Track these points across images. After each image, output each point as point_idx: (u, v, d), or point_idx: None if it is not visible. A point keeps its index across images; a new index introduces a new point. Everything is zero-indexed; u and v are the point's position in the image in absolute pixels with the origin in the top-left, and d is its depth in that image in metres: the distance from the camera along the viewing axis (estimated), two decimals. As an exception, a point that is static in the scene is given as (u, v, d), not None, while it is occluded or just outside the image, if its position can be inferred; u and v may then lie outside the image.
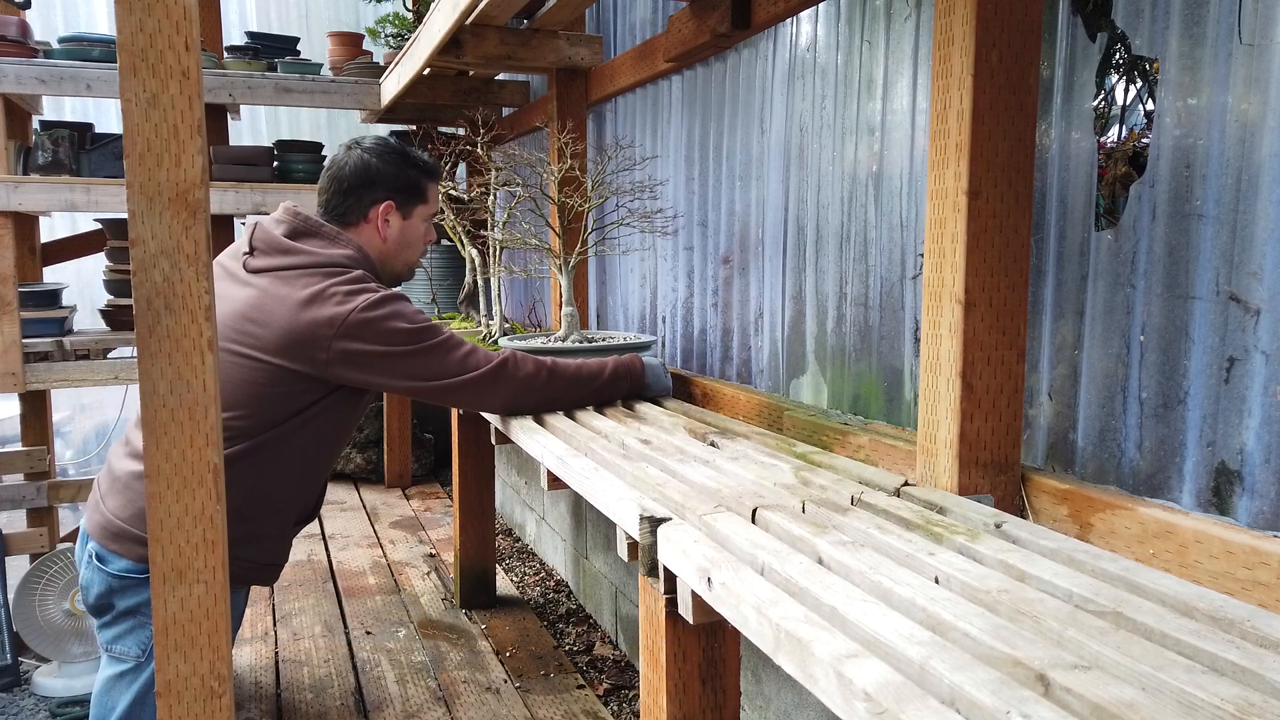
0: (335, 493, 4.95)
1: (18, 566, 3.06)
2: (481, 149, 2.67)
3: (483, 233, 2.89)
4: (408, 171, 1.97)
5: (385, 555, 3.95)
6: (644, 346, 2.38)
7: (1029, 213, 1.40)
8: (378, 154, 1.95)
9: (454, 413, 3.30)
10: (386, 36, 4.38)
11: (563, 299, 2.43)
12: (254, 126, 5.89)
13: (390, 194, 1.94)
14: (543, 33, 3.01)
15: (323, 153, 4.63)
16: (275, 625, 3.22)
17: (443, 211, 2.97)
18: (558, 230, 2.40)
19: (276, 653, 3.00)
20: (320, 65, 4.44)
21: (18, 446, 4.10)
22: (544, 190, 2.57)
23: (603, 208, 2.66)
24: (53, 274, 4.54)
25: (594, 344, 2.37)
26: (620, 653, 3.03)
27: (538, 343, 2.37)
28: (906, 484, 1.46)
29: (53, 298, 3.93)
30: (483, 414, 2.53)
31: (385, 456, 5.05)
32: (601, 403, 2.16)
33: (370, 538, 4.19)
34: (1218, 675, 0.81)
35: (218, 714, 1.21)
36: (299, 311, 1.76)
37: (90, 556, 1.75)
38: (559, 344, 2.35)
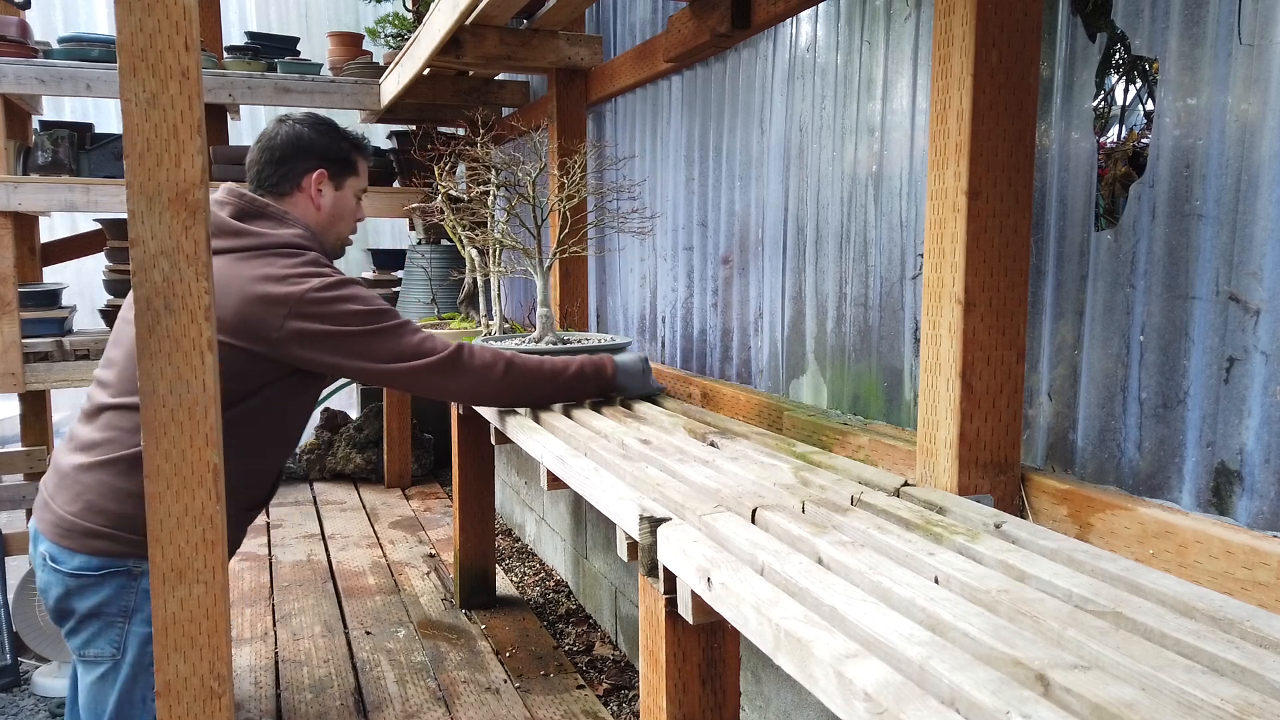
0: (335, 493, 4.95)
1: (17, 567, 3.06)
2: (480, 149, 2.67)
3: (470, 234, 2.89)
4: (339, 143, 1.99)
5: (385, 555, 3.95)
6: (619, 349, 2.37)
7: (1029, 213, 1.41)
8: (309, 125, 1.97)
9: (453, 413, 3.30)
10: (386, 36, 4.38)
11: (538, 300, 2.42)
12: (254, 126, 5.88)
13: (323, 163, 1.95)
14: (543, 33, 3.01)
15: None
16: (275, 625, 3.22)
17: (442, 211, 2.97)
18: (533, 230, 2.40)
19: (276, 653, 3.00)
20: (320, 65, 4.44)
21: (18, 446, 4.10)
22: (518, 190, 2.58)
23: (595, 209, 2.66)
24: (53, 274, 4.55)
25: (568, 345, 2.36)
26: (620, 653, 3.03)
27: (512, 344, 2.36)
28: (906, 484, 1.46)
29: (53, 298, 3.93)
30: (481, 412, 2.53)
31: (385, 456, 5.05)
32: (567, 400, 2.16)
33: (370, 538, 4.19)
34: (1218, 675, 0.81)
35: (218, 714, 1.21)
36: (252, 290, 1.76)
37: (45, 559, 1.71)
38: (532, 345, 2.34)
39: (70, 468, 1.73)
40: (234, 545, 1.93)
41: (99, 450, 1.70)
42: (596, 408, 2.17)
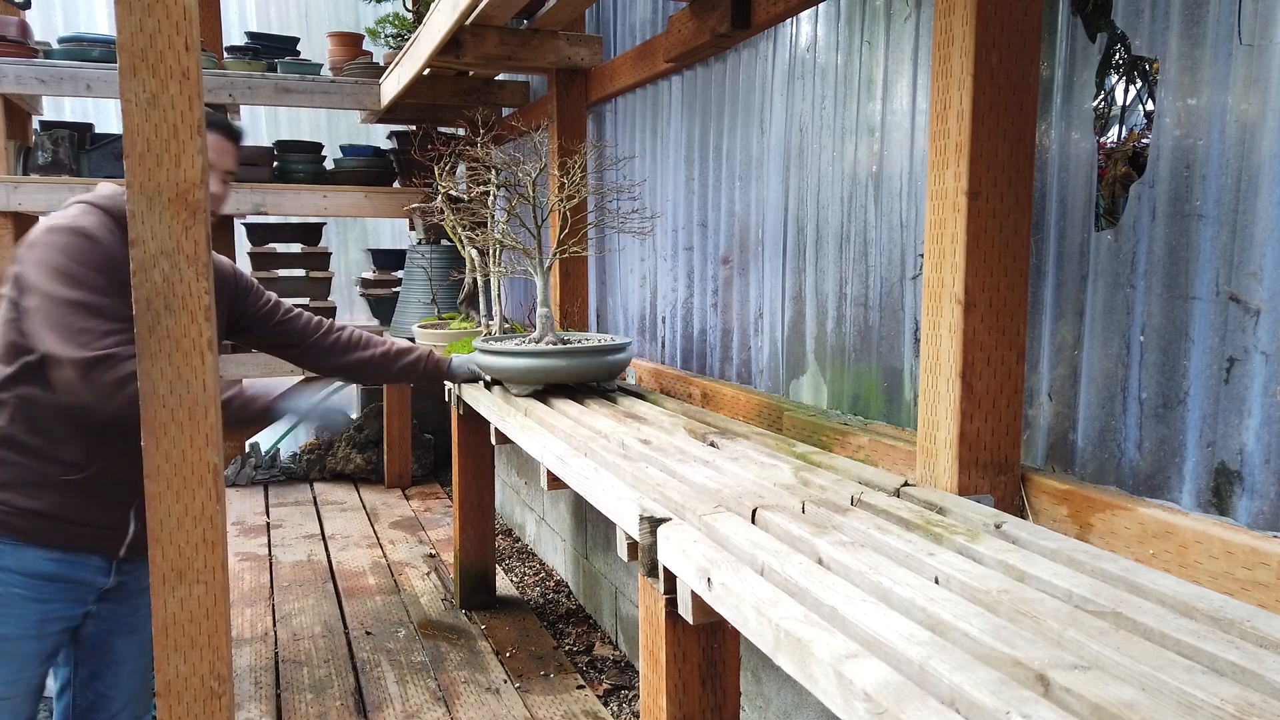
0: (335, 493, 4.95)
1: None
2: (481, 149, 2.67)
3: (470, 234, 2.89)
4: None
5: (385, 555, 3.95)
6: (620, 349, 2.37)
7: (1029, 213, 1.40)
8: None
9: (454, 413, 3.30)
10: (386, 36, 4.38)
11: (538, 300, 2.42)
12: (254, 126, 5.88)
13: None
14: (543, 33, 3.01)
15: (323, 153, 4.64)
16: (275, 625, 3.22)
17: (442, 211, 2.97)
18: (533, 230, 2.40)
19: (276, 653, 3.00)
20: (320, 65, 4.44)
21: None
22: (518, 190, 2.58)
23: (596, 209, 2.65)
24: (53, 274, 4.54)
25: (568, 345, 2.36)
26: (620, 653, 3.03)
27: (511, 344, 2.37)
28: (906, 484, 1.46)
29: (53, 298, 3.92)
30: (481, 412, 2.53)
31: (385, 457, 5.05)
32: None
33: (370, 538, 4.19)
34: (1218, 675, 0.81)
35: (218, 714, 1.21)
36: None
37: None
38: (533, 345, 2.34)
39: None
40: (67, 514, 1.65)
41: None
42: (580, 402, 2.17)
